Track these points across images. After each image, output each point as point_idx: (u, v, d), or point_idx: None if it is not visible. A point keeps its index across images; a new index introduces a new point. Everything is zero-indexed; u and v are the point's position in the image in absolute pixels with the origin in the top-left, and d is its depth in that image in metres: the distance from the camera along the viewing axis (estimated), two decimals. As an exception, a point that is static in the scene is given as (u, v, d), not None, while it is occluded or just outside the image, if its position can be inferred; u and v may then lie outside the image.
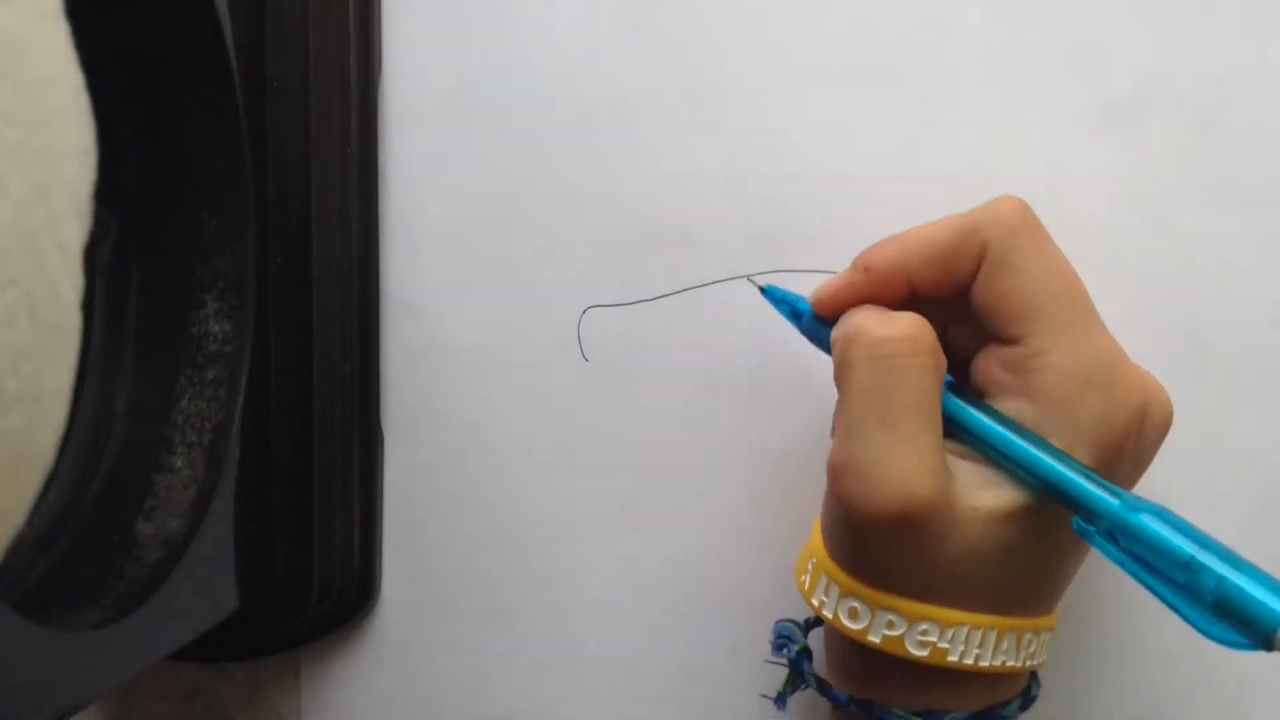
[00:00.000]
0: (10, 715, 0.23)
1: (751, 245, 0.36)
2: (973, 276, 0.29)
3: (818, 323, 0.32)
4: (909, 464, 0.27)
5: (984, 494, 0.28)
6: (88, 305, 0.28)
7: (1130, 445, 0.28)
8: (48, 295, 0.20)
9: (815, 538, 0.31)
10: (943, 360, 0.29)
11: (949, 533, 0.27)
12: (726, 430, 0.37)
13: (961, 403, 0.29)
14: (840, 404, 0.29)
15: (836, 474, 0.28)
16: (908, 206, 0.35)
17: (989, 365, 0.29)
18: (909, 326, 0.28)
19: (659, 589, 0.37)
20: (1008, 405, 0.28)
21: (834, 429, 0.30)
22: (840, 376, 0.29)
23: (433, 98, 0.38)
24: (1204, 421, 0.34)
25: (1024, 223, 0.29)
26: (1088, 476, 0.27)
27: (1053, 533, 0.28)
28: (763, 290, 0.34)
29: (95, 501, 0.30)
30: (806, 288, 0.36)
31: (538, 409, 0.37)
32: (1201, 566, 0.25)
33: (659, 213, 0.37)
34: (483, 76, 0.38)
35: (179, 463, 0.31)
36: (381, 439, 0.38)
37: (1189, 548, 0.25)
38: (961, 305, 0.30)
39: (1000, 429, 0.28)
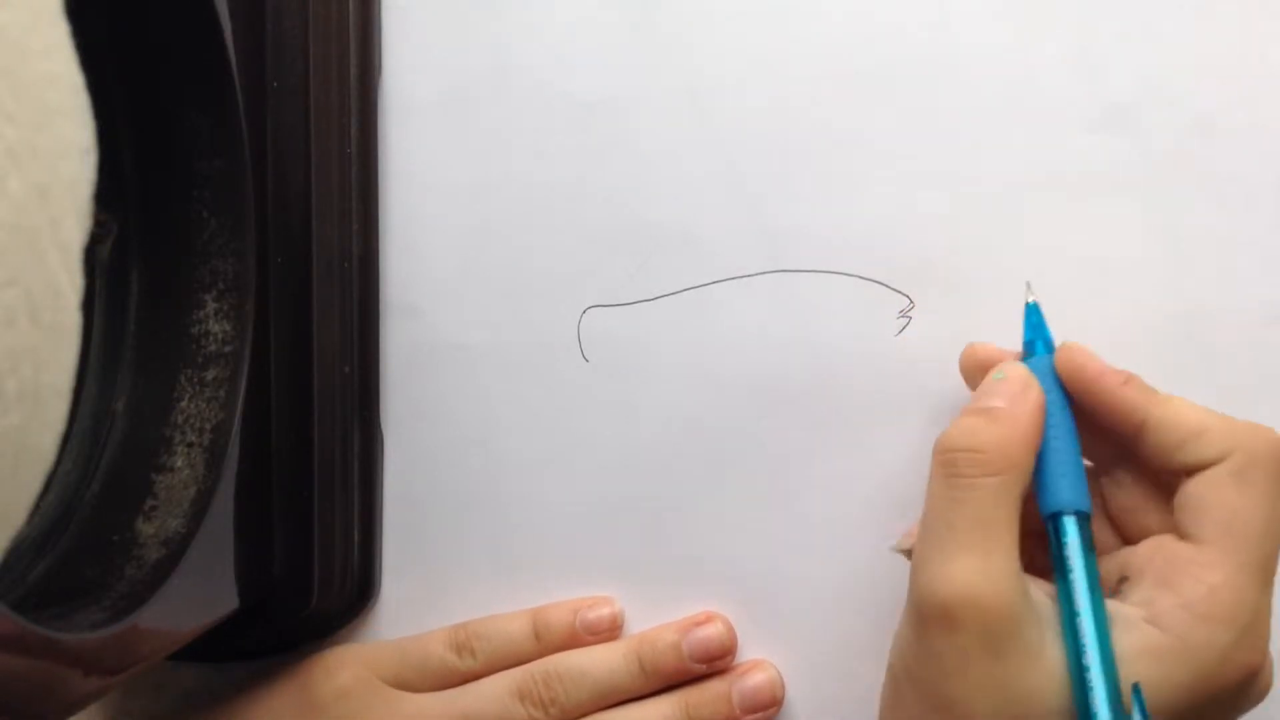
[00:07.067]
0: (10, 715, 0.23)
1: (751, 245, 0.36)
2: (1203, 466, 0.28)
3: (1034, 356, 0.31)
4: (970, 567, 0.27)
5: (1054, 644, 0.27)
6: (88, 305, 0.28)
7: (1226, 699, 0.27)
8: (48, 295, 0.20)
9: None
10: (1027, 472, 0.28)
11: (1009, 654, 0.27)
12: (726, 430, 0.37)
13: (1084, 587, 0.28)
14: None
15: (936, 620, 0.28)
16: (907, 206, 0.36)
17: (1145, 547, 0.29)
18: (993, 436, 0.28)
19: (658, 589, 0.37)
20: (1141, 587, 0.28)
21: None
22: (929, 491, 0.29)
23: (432, 97, 0.38)
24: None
25: (1277, 459, 0.28)
26: None
27: None
28: (1027, 306, 0.32)
29: (95, 501, 0.30)
30: (807, 287, 0.36)
31: (538, 409, 0.37)
32: None
33: (659, 213, 0.37)
34: (482, 76, 0.38)
35: (179, 463, 0.31)
36: (381, 439, 0.38)
37: None
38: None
39: (1091, 610, 0.27)
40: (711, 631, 0.36)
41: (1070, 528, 0.28)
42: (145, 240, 0.31)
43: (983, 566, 0.27)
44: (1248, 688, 0.27)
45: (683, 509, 0.37)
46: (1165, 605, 0.27)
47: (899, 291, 0.36)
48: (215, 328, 0.32)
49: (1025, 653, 0.27)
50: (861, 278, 0.36)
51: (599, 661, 0.35)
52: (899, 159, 0.36)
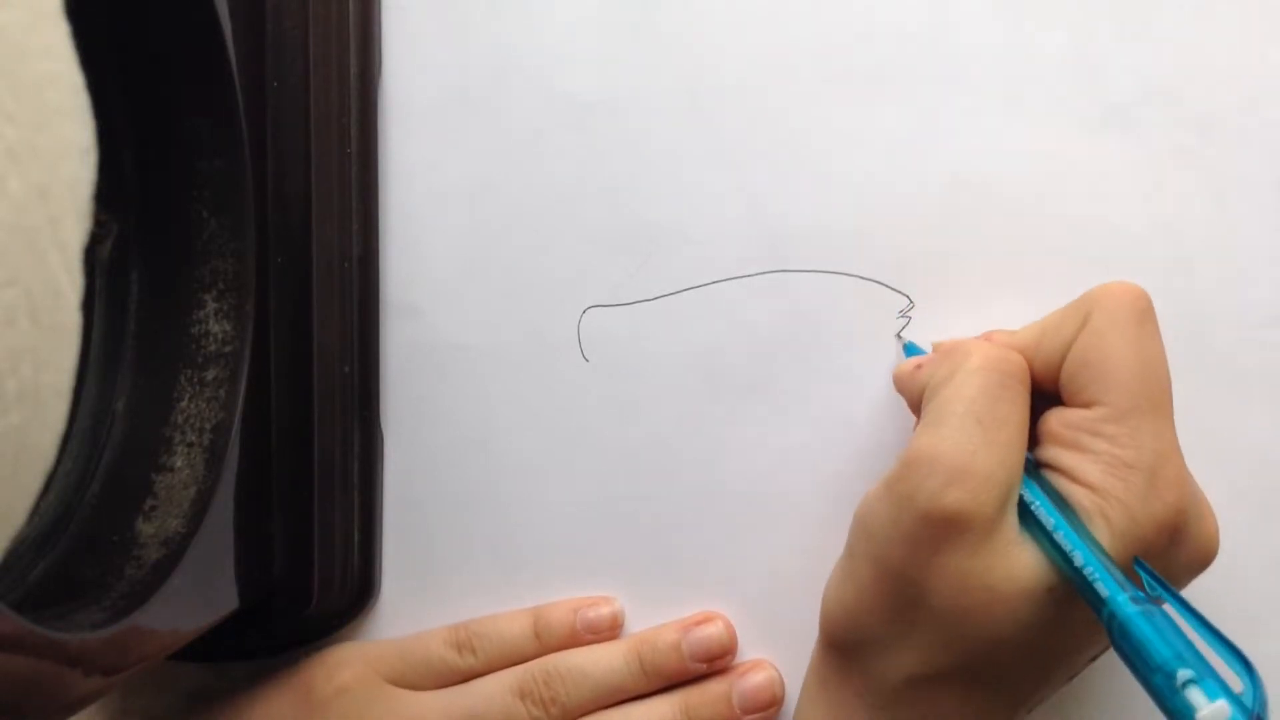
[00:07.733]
0: (10, 715, 0.23)
1: (751, 245, 0.36)
2: (1071, 342, 0.29)
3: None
4: (987, 470, 0.27)
5: (1024, 550, 0.28)
6: (88, 305, 0.28)
7: (1159, 543, 0.27)
8: (48, 295, 0.20)
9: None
10: None
11: (979, 558, 0.27)
12: (726, 430, 0.37)
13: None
14: (931, 410, 0.29)
15: (910, 464, 0.28)
16: (907, 206, 0.36)
17: (1048, 421, 0.29)
18: (1020, 359, 0.30)
19: (658, 588, 0.37)
20: (1051, 452, 0.29)
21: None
22: (940, 387, 0.30)
23: (432, 97, 0.38)
24: (1204, 421, 0.34)
25: (1134, 306, 0.29)
26: (1101, 557, 0.26)
27: (1064, 627, 0.28)
28: (905, 347, 0.35)
29: (95, 501, 0.30)
30: (807, 287, 0.36)
31: (538, 409, 0.37)
32: (1171, 683, 0.24)
33: (659, 213, 0.37)
34: (482, 76, 0.38)
35: (179, 463, 0.31)
36: (381, 439, 0.38)
37: (1166, 659, 0.24)
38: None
39: (1040, 490, 0.28)
40: (711, 631, 0.36)
41: None
42: (145, 240, 0.31)
43: (995, 477, 0.28)
44: (1179, 535, 0.28)
45: (683, 509, 0.37)
46: (1075, 465, 0.28)
47: (899, 291, 0.36)
48: (215, 328, 0.32)
49: (996, 553, 0.27)
50: (861, 278, 0.36)
51: (599, 661, 0.35)
52: (899, 158, 0.36)
